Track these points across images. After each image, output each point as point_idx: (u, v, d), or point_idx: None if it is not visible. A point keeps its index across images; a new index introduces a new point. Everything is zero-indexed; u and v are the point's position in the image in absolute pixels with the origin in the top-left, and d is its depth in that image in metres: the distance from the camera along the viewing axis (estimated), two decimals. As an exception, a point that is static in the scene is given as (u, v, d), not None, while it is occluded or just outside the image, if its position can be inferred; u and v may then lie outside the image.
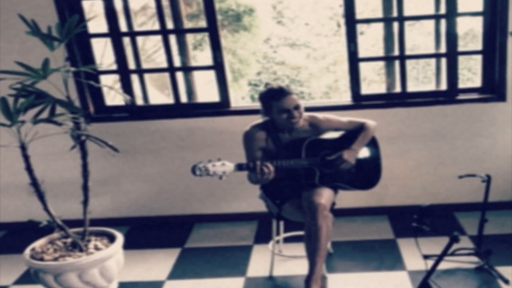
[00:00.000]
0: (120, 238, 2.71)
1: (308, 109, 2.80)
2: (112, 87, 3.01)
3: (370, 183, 2.85)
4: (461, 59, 4.48)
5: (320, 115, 2.80)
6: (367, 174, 2.84)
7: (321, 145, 2.71)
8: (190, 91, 3.69)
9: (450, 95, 3.42)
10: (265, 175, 2.49)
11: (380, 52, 3.88)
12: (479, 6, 3.28)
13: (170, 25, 3.51)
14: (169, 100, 3.82)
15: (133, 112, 3.54)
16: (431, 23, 3.61)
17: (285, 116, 2.61)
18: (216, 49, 3.38)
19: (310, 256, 2.53)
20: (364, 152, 2.81)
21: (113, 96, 6.75)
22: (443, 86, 3.51)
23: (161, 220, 3.75)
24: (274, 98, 2.62)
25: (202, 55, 9.89)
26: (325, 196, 2.59)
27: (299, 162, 2.64)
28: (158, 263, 3.21)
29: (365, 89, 8.07)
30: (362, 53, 3.39)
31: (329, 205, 2.61)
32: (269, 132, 2.71)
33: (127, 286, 2.95)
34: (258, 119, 2.78)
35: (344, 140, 2.75)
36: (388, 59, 3.61)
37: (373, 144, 2.85)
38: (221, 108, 3.51)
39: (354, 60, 3.38)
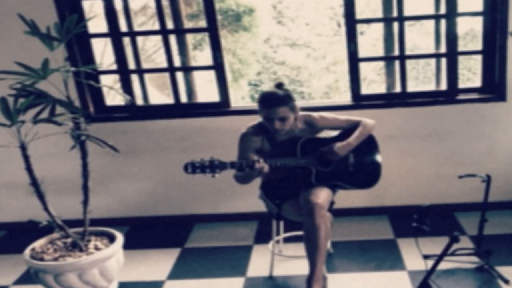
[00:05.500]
0: (120, 238, 2.71)
1: (308, 109, 2.81)
2: (112, 87, 3.00)
3: (369, 182, 2.84)
4: (461, 59, 4.48)
5: (315, 113, 2.79)
6: (366, 173, 2.83)
7: (317, 144, 2.71)
8: (190, 91, 3.69)
9: (450, 95, 3.42)
10: (257, 168, 2.49)
11: (380, 52, 3.87)
12: (479, 6, 3.28)
13: (170, 25, 3.51)
14: (169, 100, 3.82)
15: (133, 112, 3.54)
16: (431, 23, 3.60)
17: (267, 123, 2.64)
18: (216, 49, 3.38)
19: (310, 256, 2.53)
20: (362, 151, 2.80)
21: (113, 96, 6.74)
22: (443, 86, 3.51)
23: (161, 220, 3.75)
24: (261, 104, 2.63)
25: (202, 55, 9.88)
26: (322, 196, 2.59)
27: (293, 160, 2.64)
28: (158, 263, 3.21)
29: (365, 89, 8.07)
30: (362, 53, 3.38)
31: (327, 205, 2.61)
32: (265, 132, 2.71)
33: (127, 286, 2.95)
34: (257, 119, 2.77)
35: (340, 138, 2.75)
36: (388, 59, 3.60)
37: (372, 143, 2.84)
38: (221, 108, 3.51)
39: (354, 60, 3.38)
